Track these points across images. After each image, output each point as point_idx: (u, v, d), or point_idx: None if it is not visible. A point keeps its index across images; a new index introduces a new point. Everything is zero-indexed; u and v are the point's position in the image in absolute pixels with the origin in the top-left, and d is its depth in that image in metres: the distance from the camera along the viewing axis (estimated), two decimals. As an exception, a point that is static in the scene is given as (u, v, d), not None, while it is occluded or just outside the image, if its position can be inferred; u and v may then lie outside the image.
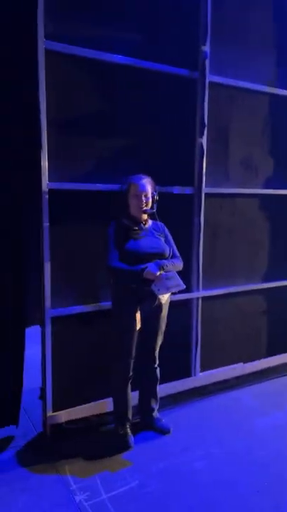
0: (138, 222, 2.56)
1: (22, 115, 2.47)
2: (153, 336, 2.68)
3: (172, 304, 2.73)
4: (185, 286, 2.49)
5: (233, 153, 3.31)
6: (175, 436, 2.76)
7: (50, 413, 2.71)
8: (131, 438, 2.66)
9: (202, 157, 3.09)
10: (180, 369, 3.25)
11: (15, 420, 2.69)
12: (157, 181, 2.63)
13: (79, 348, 2.79)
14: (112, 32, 2.70)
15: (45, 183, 2.54)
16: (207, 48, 3.01)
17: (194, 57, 3.01)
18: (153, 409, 2.83)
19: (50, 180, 2.55)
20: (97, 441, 2.69)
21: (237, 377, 3.50)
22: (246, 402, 3.21)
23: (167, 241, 2.64)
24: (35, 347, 2.76)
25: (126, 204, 2.56)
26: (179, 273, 2.53)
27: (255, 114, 3.39)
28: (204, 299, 3.28)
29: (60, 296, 2.69)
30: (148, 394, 2.81)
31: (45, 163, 2.52)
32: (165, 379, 2.98)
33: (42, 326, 2.66)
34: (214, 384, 3.38)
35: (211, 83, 3.08)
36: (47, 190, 2.54)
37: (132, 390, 2.68)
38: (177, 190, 3.03)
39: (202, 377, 3.33)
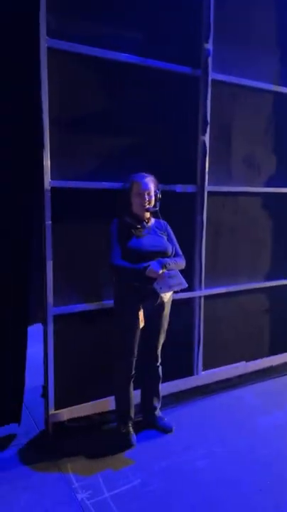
0: (140, 220, 2.56)
1: (24, 113, 2.46)
2: (155, 335, 2.68)
3: (174, 303, 2.73)
4: (187, 285, 2.49)
5: (236, 152, 3.31)
6: (178, 434, 2.76)
7: (52, 411, 2.71)
8: (133, 436, 2.66)
9: (205, 155, 3.08)
10: (183, 368, 3.24)
11: (18, 418, 2.70)
12: (159, 179, 2.62)
13: (81, 347, 2.79)
14: (114, 30, 2.70)
15: (48, 181, 2.53)
16: (209, 46, 3.00)
17: (196, 55, 3.00)
18: (155, 408, 2.83)
19: (52, 178, 2.55)
20: (99, 440, 2.69)
21: (240, 376, 3.50)
22: (248, 400, 3.20)
23: (169, 239, 2.63)
24: (38, 345, 2.76)
25: (128, 202, 2.55)
26: (181, 271, 2.53)
27: (258, 112, 3.38)
28: (207, 297, 3.27)
29: (62, 295, 2.69)
30: (150, 392, 2.81)
31: (47, 162, 2.52)
32: (167, 377, 2.97)
33: (45, 324, 2.66)
34: (217, 383, 3.37)
35: (213, 81, 3.07)
36: (49, 188, 2.54)
37: (134, 389, 2.67)
38: (179, 188, 3.02)
39: (204, 376, 3.32)
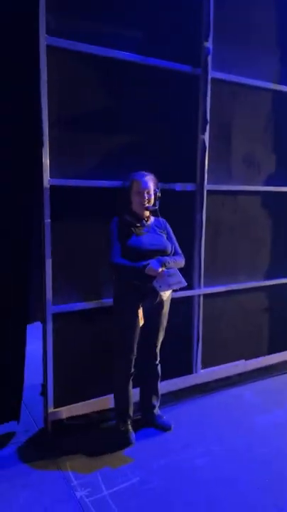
0: (140, 218, 2.56)
1: (23, 112, 2.46)
2: (154, 333, 2.68)
3: (173, 301, 2.73)
4: (186, 284, 2.49)
5: (235, 150, 3.30)
6: (176, 433, 2.76)
7: (51, 409, 2.72)
8: (132, 434, 2.66)
9: (204, 154, 3.08)
10: (182, 366, 3.25)
11: (17, 416, 2.70)
12: (159, 178, 2.62)
13: (80, 345, 2.79)
14: (114, 29, 2.69)
15: (47, 179, 2.53)
16: (209, 44, 2.99)
17: (196, 54, 3.00)
18: (154, 406, 2.83)
19: (52, 176, 2.55)
20: (98, 438, 2.70)
21: (239, 374, 3.50)
22: (247, 399, 3.21)
23: (169, 238, 2.64)
24: (37, 343, 2.77)
25: (128, 201, 2.56)
26: (181, 270, 2.53)
27: (257, 111, 3.37)
28: (206, 296, 3.27)
29: (61, 293, 2.69)
30: (149, 391, 2.81)
31: (46, 160, 2.52)
32: (166, 376, 2.98)
33: (44, 322, 2.66)
34: (216, 381, 3.38)
35: (213, 79, 3.06)
36: (48, 186, 2.54)
37: (133, 387, 2.68)
38: (179, 187, 3.02)
39: (203, 374, 3.33)
